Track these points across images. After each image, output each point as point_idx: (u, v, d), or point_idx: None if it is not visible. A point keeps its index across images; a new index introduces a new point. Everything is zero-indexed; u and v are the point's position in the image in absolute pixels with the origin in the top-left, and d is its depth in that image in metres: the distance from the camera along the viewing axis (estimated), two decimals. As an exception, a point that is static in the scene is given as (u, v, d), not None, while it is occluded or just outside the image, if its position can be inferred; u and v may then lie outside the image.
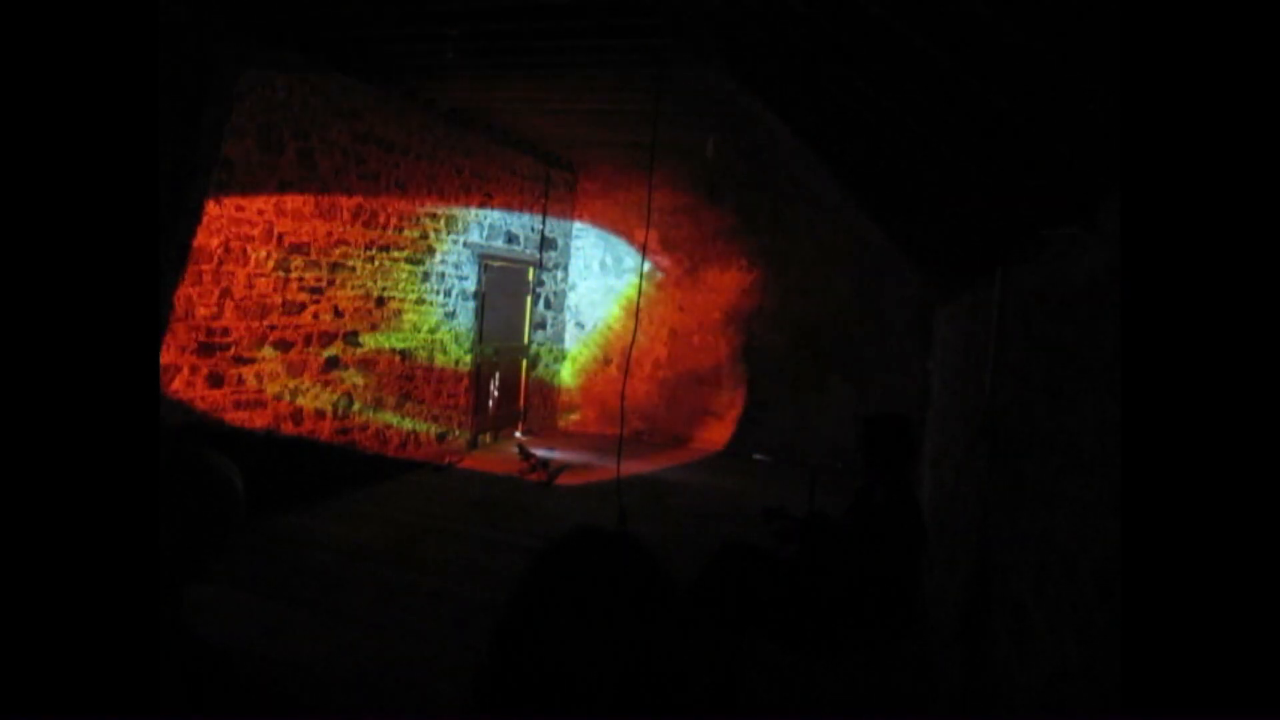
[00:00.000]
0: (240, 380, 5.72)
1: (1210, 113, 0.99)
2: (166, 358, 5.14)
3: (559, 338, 10.38)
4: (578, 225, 10.44)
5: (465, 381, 8.54)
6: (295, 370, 6.26)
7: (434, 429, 8.11)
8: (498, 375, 9.25)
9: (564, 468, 8.20)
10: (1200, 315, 1.00)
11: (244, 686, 3.44)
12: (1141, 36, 1.04)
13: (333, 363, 6.66)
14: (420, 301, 7.67)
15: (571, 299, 10.47)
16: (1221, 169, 0.99)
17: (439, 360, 8.07)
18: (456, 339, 8.30)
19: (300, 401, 6.35)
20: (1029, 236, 2.46)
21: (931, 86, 2.31)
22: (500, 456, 8.57)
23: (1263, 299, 0.95)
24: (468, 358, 8.53)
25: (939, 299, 6.60)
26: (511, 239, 9.13)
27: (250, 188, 5.63)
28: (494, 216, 8.74)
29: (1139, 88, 1.05)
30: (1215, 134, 0.99)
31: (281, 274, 5.98)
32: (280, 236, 5.93)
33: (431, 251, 7.73)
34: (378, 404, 7.27)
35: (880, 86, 2.72)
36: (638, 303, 7.57)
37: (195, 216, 5.17)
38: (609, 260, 10.33)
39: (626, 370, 7.50)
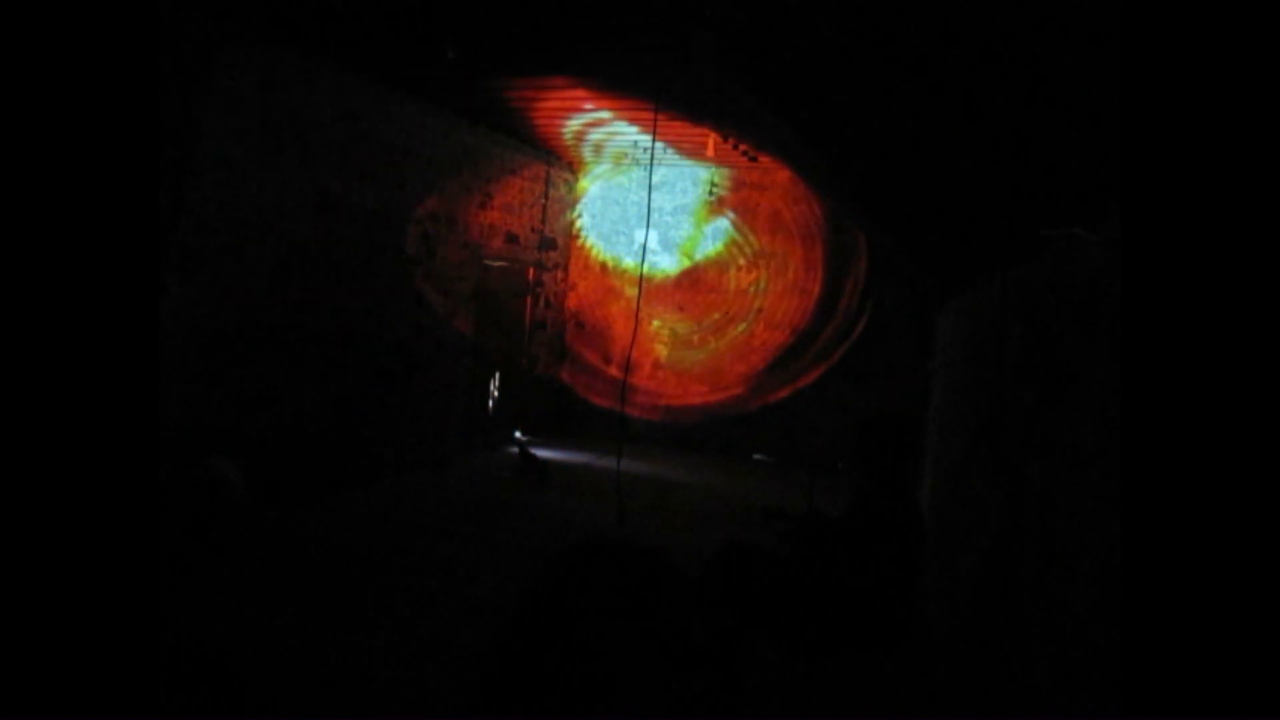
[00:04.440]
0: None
1: (1209, 115, 0.99)
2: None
3: (559, 337, 10.38)
4: (578, 224, 10.44)
5: (465, 382, 8.54)
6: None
7: (434, 429, 8.10)
8: (498, 375, 9.25)
9: (563, 468, 8.20)
10: (1200, 315, 1.00)
11: (243, 686, 3.45)
12: (1142, 40, 1.04)
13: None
14: (421, 301, 7.67)
15: (571, 299, 10.47)
16: (1221, 171, 0.99)
17: (440, 359, 8.06)
18: (457, 339, 8.30)
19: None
20: (1029, 237, 2.46)
21: (933, 89, 2.31)
22: (500, 456, 8.57)
23: (1262, 299, 0.95)
24: (467, 358, 8.53)
25: (940, 299, 6.60)
26: (511, 239, 9.13)
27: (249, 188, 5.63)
28: (495, 216, 8.74)
29: (1140, 90, 1.05)
30: (1215, 136, 0.99)
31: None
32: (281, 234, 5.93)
33: (432, 253, 7.73)
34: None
35: (882, 89, 2.72)
36: (638, 303, 7.57)
37: (194, 216, 5.17)
38: (609, 260, 10.32)
39: (626, 370, 7.51)
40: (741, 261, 9.72)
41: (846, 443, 8.03)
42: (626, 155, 9.38)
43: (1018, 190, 2.45)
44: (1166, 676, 0.97)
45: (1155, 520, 1.03)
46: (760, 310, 9.63)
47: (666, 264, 9.97)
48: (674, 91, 5.90)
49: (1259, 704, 0.90)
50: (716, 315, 9.81)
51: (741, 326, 9.71)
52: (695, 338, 9.90)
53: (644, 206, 8.33)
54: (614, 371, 10.06)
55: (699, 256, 9.89)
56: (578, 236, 10.43)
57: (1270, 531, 0.93)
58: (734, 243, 9.75)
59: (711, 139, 8.05)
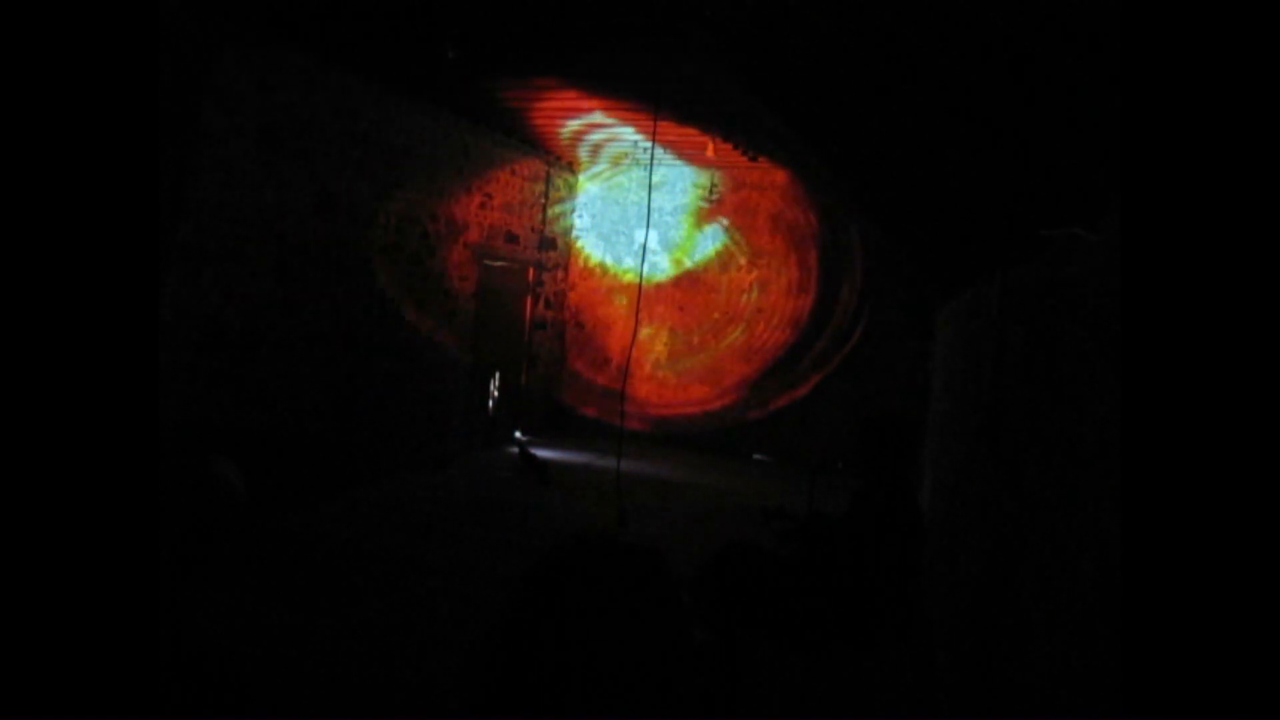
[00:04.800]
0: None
1: (1209, 115, 1.00)
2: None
3: (559, 337, 10.38)
4: (578, 225, 10.43)
5: (465, 381, 8.54)
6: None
7: (434, 429, 8.10)
8: (498, 375, 9.25)
9: (563, 468, 8.20)
10: (1200, 314, 1.00)
11: (243, 686, 3.44)
12: (1142, 40, 1.05)
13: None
14: (421, 301, 7.67)
15: (571, 299, 10.47)
16: (1220, 170, 0.99)
17: (440, 359, 8.06)
18: (457, 339, 8.30)
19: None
20: (1029, 237, 2.47)
21: (933, 88, 2.31)
22: (500, 456, 8.57)
23: (1261, 298, 0.95)
24: (468, 358, 8.52)
25: (939, 299, 6.60)
26: (511, 239, 9.12)
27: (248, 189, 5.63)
28: (495, 216, 8.74)
29: (1139, 90, 1.06)
30: (1214, 135, 0.99)
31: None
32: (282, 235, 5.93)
33: (432, 253, 7.73)
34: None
35: (882, 88, 2.72)
36: (638, 303, 7.56)
37: (194, 216, 5.17)
38: (609, 260, 10.32)
39: (626, 370, 7.51)
40: (741, 262, 9.71)
41: (846, 443, 8.06)
42: (626, 156, 9.38)
43: (1018, 190, 2.45)
44: (1166, 676, 0.98)
45: (1155, 520, 1.03)
46: (760, 311, 9.62)
47: (666, 264, 9.96)
48: (673, 93, 5.90)
49: (1259, 704, 0.90)
50: (716, 316, 9.81)
51: (741, 328, 9.71)
52: (694, 339, 9.89)
53: (644, 207, 8.33)
54: (613, 372, 10.06)
55: (698, 257, 9.88)
56: (577, 237, 10.42)
57: (1270, 530, 0.93)
58: (733, 243, 9.75)
59: (711, 140, 8.04)
